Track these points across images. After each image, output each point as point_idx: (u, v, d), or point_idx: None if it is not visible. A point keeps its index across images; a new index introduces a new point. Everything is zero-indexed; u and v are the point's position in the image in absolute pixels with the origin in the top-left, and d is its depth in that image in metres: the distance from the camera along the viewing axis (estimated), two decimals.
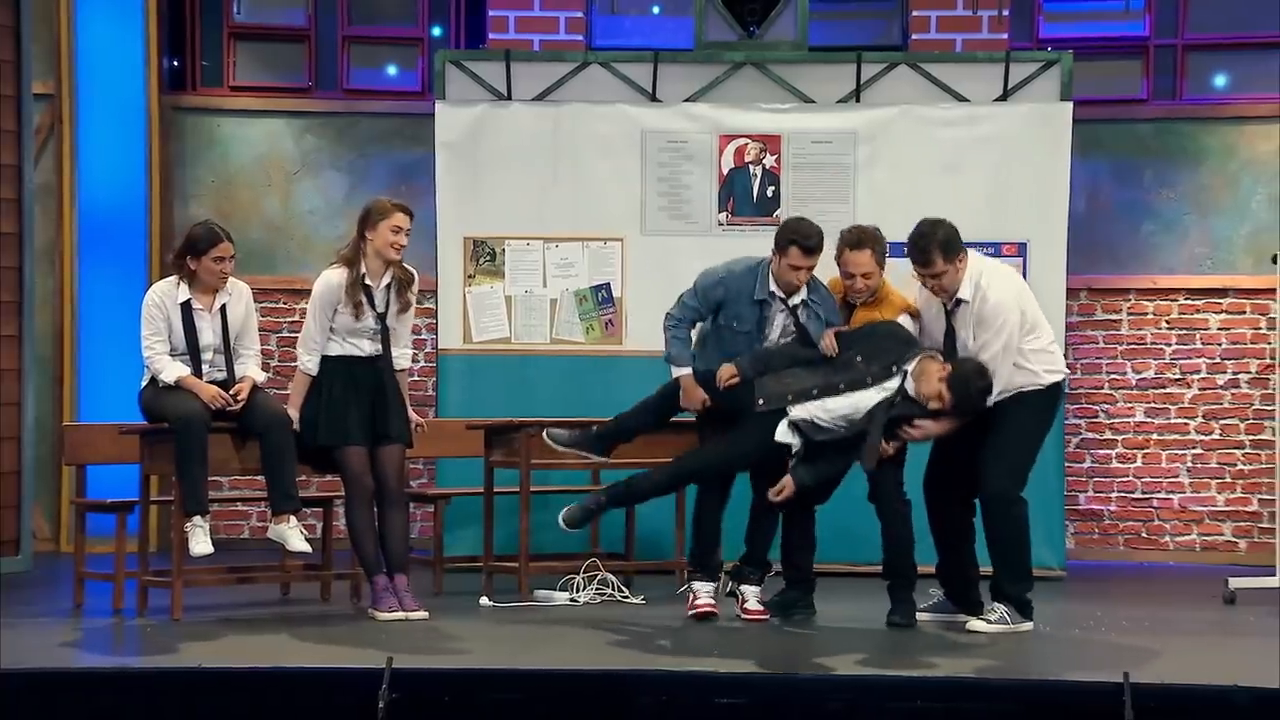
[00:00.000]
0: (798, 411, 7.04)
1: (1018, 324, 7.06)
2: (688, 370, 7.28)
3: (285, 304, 10.16)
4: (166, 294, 7.40)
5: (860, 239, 7.21)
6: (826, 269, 7.38)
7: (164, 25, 10.20)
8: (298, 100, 10.43)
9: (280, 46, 10.52)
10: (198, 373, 7.34)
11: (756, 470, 7.31)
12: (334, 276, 7.38)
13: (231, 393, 7.30)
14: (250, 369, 7.47)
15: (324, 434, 7.35)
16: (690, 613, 7.30)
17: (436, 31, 10.48)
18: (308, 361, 7.41)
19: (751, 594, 7.38)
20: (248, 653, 6.44)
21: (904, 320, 7.25)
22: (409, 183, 10.12)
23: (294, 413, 7.37)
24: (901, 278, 7.41)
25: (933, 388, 6.94)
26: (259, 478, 7.51)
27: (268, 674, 5.92)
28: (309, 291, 7.48)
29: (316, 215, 10.26)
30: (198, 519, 7.15)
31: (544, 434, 7.51)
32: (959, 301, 7.09)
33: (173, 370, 7.29)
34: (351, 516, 7.39)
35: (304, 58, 10.47)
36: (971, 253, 7.15)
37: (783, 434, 7.07)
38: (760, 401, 7.08)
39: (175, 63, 10.42)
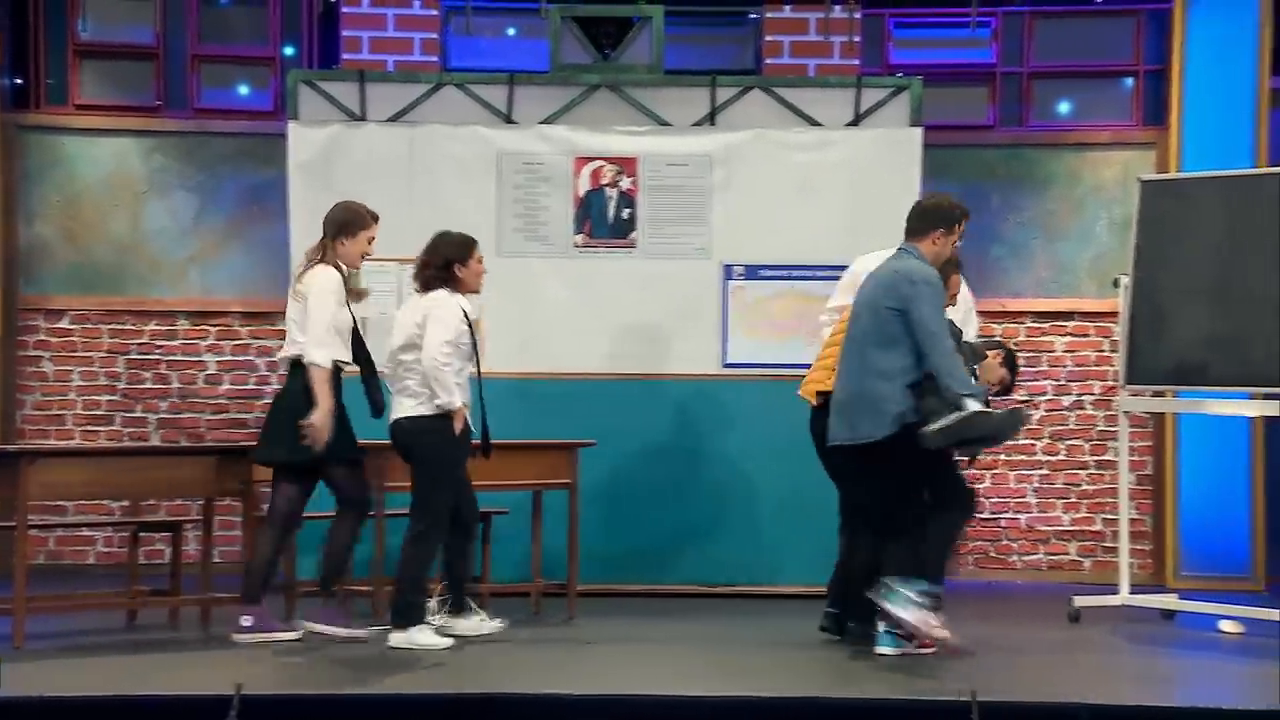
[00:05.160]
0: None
1: None
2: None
3: (133, 325, 9.93)
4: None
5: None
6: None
7: (7, 42, 10.01)
8: (146, 119, 10.26)
9: (128, 65, 10.35)
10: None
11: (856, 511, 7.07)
12: (335, 272, 7.21)
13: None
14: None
15: (345, 448, 7.17)
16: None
17: (289, 51, 10.38)
18: (328, 357, 7.09)
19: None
20: (93, 681, 6.30)
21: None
22: (261, 203, 10.01)
23: (327, 416, 7.06)
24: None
25: (996, 374, 7.09)
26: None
27: (113, 702, 5.81)
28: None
29: (165, 235, 10.08)
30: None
31: None
32: None
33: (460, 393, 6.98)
34: (353, 534, 7.22)
35: (152, 76, 10.32)
36: None
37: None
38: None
39: (19, 80, 10.21)
